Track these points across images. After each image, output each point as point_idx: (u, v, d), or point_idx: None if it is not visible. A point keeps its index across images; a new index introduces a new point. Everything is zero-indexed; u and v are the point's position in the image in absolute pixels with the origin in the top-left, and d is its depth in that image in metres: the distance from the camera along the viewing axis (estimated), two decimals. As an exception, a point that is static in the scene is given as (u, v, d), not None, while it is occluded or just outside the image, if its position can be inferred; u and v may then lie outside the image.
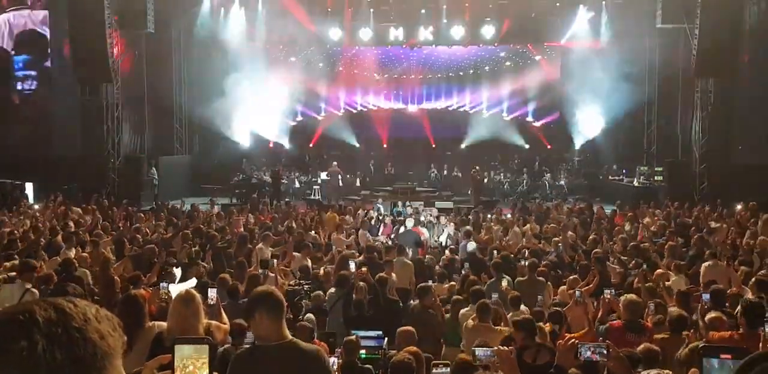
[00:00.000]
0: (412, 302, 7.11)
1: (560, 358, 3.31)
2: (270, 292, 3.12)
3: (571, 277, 7.36)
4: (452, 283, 8.31)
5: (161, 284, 6.40)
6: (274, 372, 2.97)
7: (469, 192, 20.08)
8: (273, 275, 7.94)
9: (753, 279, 6.67)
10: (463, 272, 8.83)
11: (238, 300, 6.41)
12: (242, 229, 11.78)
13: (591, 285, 7.32)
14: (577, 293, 6.03)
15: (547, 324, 5.72)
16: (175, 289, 5.70)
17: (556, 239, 10.41)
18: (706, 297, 5.78)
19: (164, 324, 3.98)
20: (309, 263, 9.05)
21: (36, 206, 14.82)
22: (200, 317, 3.89)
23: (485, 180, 21.25)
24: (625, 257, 9.21)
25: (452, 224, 13.44)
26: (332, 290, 7.38)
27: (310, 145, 23.77)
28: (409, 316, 6.61)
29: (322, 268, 8.76)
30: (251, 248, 9.61)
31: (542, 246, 10.52)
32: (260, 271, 7.93)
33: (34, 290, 6.39)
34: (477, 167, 20.47)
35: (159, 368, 1.53)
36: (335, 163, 21.25)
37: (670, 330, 5.27)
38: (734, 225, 11.95)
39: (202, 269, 8.16)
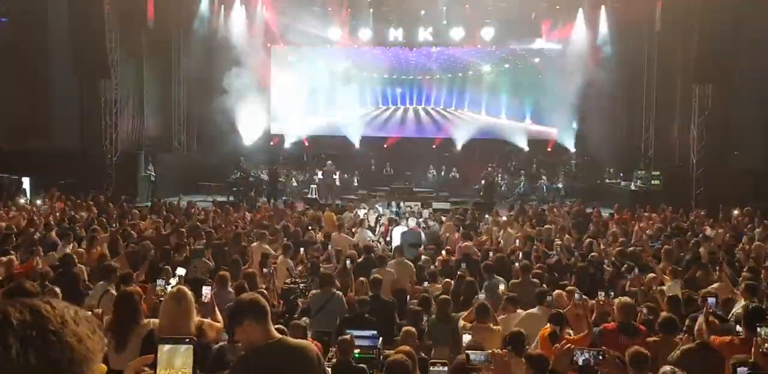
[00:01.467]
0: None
1: (555, 363, 3.30)
2: (254, 299, 3.12)
3: (569, 288, 7.30)
4: (447, 280, 8.26)
5: (158, 281, 6.37)
6: (269, 371, 2.99)
7: (480, 193, 20.06)
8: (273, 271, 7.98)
9: (743, 285, 6.66)
10: (459, 272, 8.82)
11: None
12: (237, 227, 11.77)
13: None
14: (577, 295, 6.04)
15: (548, 326, 5.73)
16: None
17: (559, 242, 10.41)
18: (711, 300, 5.80)
19: (158, 321, 3.98)
20: (292, 264, 8.98)
21: (38, 202, 14.75)
22: (192, 315, 3.88)
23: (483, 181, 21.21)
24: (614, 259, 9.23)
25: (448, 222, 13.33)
26: (315, 291, 7.27)
27: (306, 144, 23.71)
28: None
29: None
30: (245, 246, 9.61)
31: (538, 248, 10.50)
32: (266, 270, 7.93)
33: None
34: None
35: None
36: (330, 162, 21.22)
37: (661, 333, 5.29)
38: (731, 230, 11.98)
39: (204, 266, 8.17)
